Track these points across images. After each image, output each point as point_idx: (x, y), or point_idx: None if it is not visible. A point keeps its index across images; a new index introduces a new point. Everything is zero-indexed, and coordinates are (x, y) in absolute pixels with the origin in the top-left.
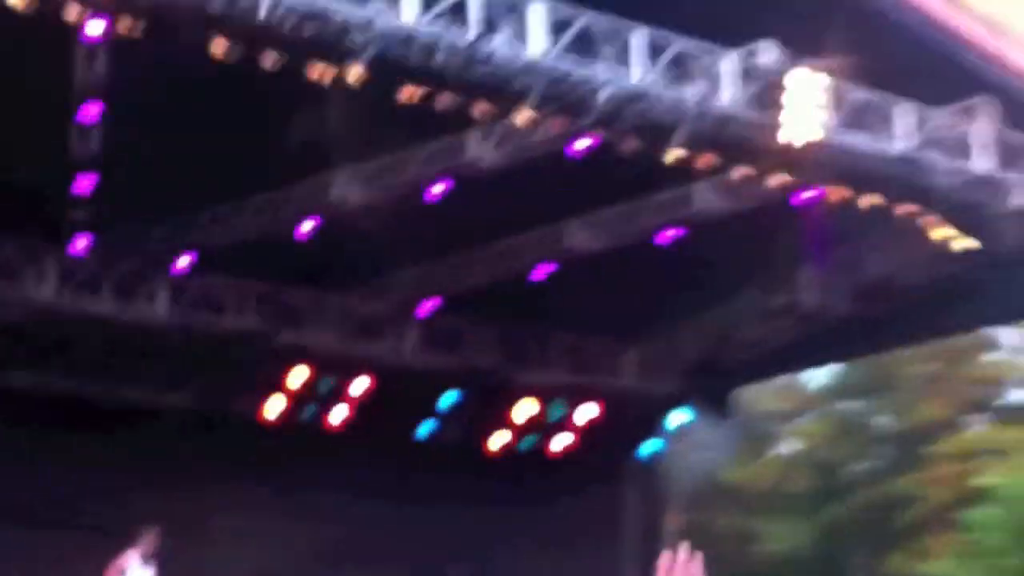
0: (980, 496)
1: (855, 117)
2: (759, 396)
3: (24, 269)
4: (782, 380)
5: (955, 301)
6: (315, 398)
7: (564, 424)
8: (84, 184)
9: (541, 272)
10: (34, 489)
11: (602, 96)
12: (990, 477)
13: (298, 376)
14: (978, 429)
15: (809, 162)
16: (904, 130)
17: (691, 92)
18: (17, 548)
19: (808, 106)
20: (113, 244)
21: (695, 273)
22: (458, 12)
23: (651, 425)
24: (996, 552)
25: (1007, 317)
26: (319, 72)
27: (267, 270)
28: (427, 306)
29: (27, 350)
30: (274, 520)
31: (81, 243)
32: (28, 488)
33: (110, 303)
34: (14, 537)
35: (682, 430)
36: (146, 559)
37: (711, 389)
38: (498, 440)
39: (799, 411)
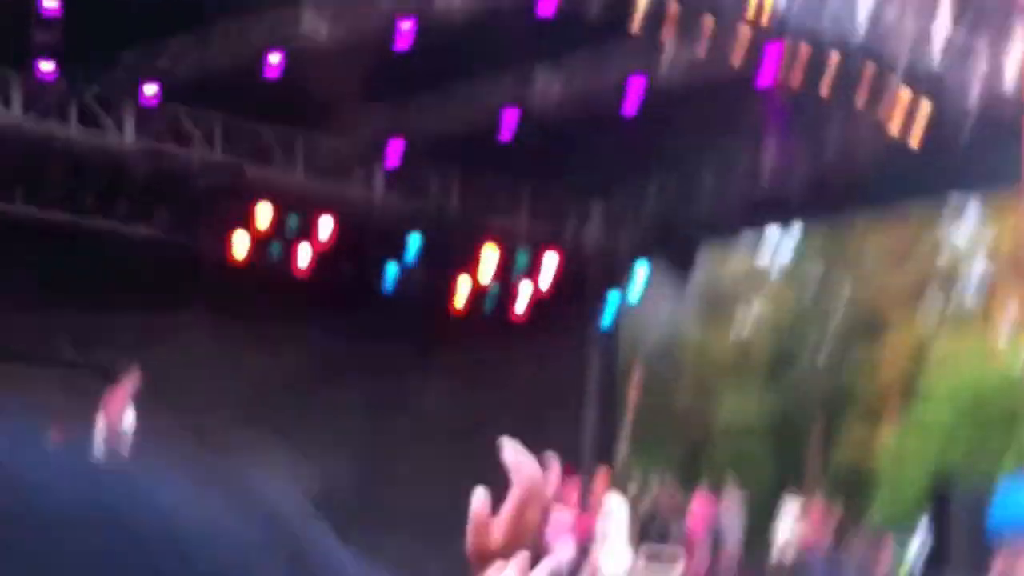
0: (937, 366)
1: None
2: (721, 262)
3: None
4: (745, 245)
5: (918, 167)
6: (281, 237)
7: (527, 276)
8: (51, 6)
9: (509, 123)
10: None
11: None
12: (947, 347)
13: (264, 213)
14: (937, 300)
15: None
16: None
17: None
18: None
19: None
20: (79, 70)
21: (662, 128)
22: None
23: (614, 282)
24: (950, 423)
25: (972, 184)
26: None
27: (235, 104)
28: (394, 149)
29: None
30: (234, 350)
31: (47, 67)
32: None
33: (76, 129)
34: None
35: (645, 289)
36: (133, 398)
37: (675, 246)
38: (462, 289)
39: (761, 278)
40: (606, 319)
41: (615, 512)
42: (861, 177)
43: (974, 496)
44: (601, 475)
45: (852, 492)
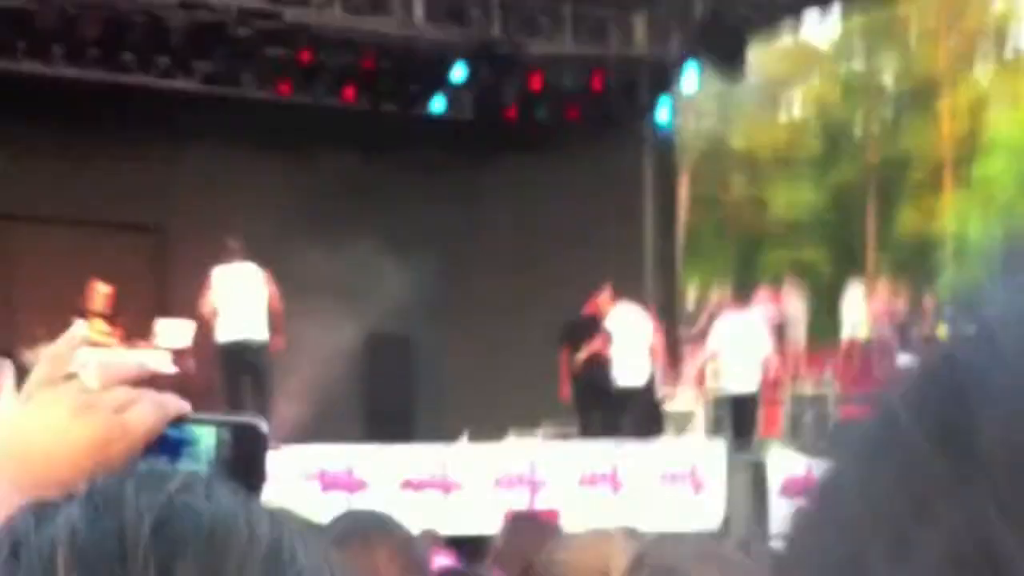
0: (989, 148)
1: None
2: (766, 59)
3: None
4: (786, 43)
5: None
6: (324, 76)
7: (577, 93)
8: None
9: None
10: (51, 184)
11: None
12: (997, 128)
13: (306, 54)
14: (984, 79)
15: None
16: None
17: None
18: (51, 244)
19: None
20: None
21: None
22: None
23: (663, 89)
24: (1005, 204)
25: None
26: None
27: None
28: None
29: (29, 36)
30: (288, 191)
31: None
32: (44, 182)
33: None
34: (45, 234)
35: (694, 95)
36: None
37: (722, 47)
38: (511, 112)
39: (805, 73)
40: (660, 122)
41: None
42: None
43: None
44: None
45: (917, 268)
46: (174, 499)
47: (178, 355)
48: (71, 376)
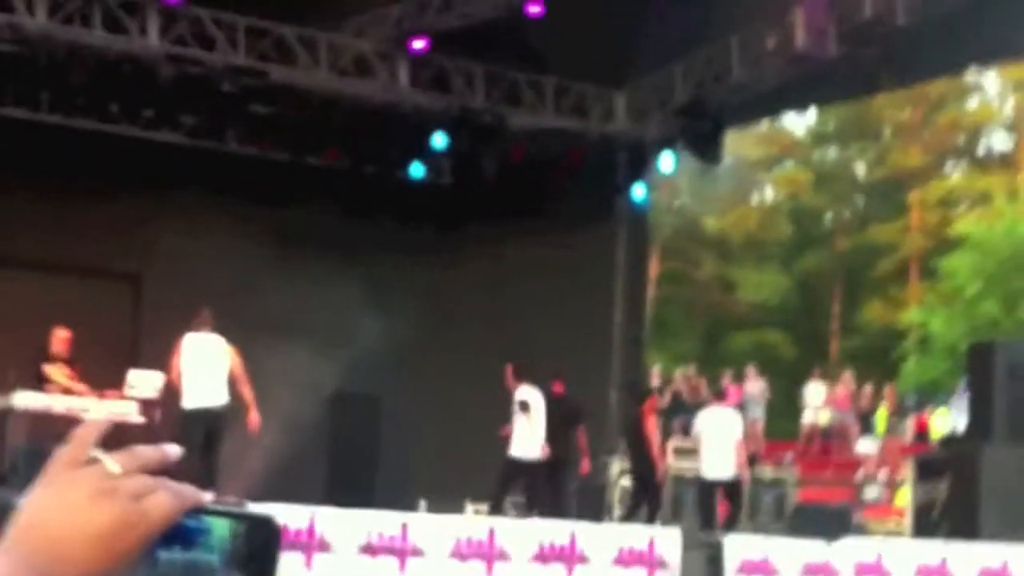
0: (956, 244)
1: None
2: (740, 144)
3: None
4: (762, 128)
5: (944, 40)
6: (307, 135)
7: (555, 166)
8: None
9: (534, 5)
10: (30, 228)
11: None
12: (966, 224)
13: (289, 113)
14: (956, 176)
15: None
16: None
17: None
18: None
19: None
20: None
21: (685, 14)
22: None
23: (640, 168)
24: (972, 299)
25: (995, 54)
26: None
27: (257, 5)
28: (417, 44)
29: (18, 82)
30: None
31: None
32: (23, 226)
33: (100, 35)
34: (21, 278)
35: (670, 175)
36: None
37: (699, 132)
38: (489, 180)
39: (779, 159)
40: (635, 199)
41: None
42: (889, 53)
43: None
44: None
45: (880, 357)
46: None
47: (146, 405)
48: (93, 460)
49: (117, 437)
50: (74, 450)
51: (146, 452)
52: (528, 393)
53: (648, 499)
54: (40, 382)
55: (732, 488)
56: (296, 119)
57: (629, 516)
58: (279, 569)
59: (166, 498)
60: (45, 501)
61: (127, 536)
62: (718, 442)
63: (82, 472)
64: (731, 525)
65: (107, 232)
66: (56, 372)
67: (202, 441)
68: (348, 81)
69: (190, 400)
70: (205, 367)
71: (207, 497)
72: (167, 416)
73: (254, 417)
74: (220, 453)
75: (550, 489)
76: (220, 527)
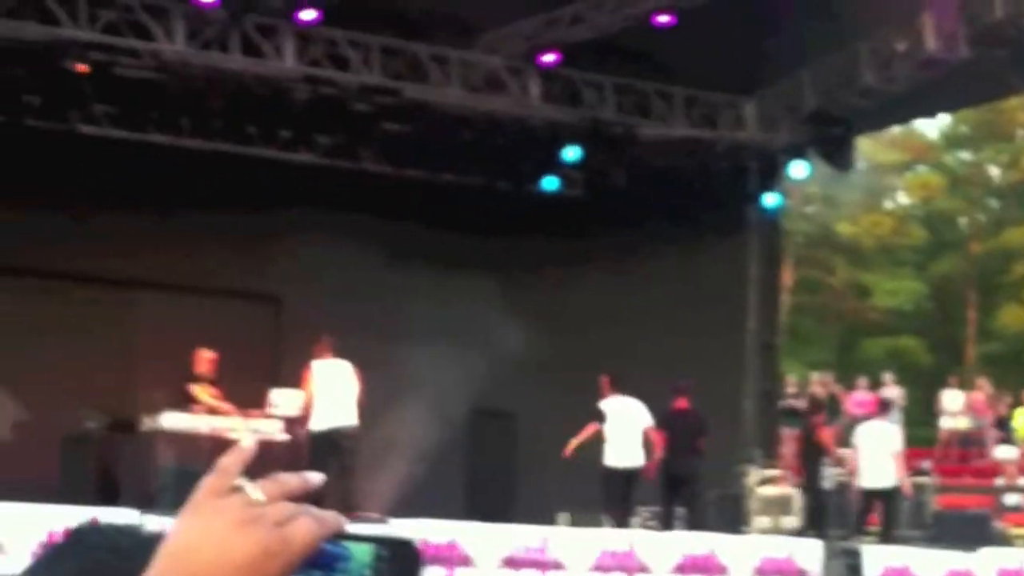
0: None
1: None
2: (873, 149)
3: (153, 24)
4: (895, 132)
5: None
6: (440, 153)
7: (686, 176)
8: None
9: (663, 15)
10: (173, 251)
11: None
12: None
13: (422, 130)
14: None
15: None
16: None
17: None
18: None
19: None
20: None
21: (814, 20)
22: None
23: (771, 175)
24: None
25: None
26: None
27: (387, 24)
28: (548, 58)
29: (159, 108)
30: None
31: None
32: (167, 250)
33: (238, 58)
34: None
35: (801, 182)
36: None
37: (830, 139)
38: (621, 192)
39: (911, 163)
40: (767, 207)
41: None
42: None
43: None
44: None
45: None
46: None
47: (290, 424)
48: (237, 488)
49: (262, 456)
50: (218, 479)
51: (289, 479)
52: (613, 404)
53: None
54: (187, 403)
55: (890, 498)
56: (429, 136)
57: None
58: None
59: (308, 525)
60: (190, 530)
61: (270, 564)
62: (877, 453)
63: (226, 501)
64: (886, 534)
65: (247, 254)
66: (202, 392)
67: (336, 462)
68: (480, 97)
69: (318, 423)
70: (334, 391)
71: (347, 523)
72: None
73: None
74: (355, 472)
75: (683, 502)
76: (361, 552)
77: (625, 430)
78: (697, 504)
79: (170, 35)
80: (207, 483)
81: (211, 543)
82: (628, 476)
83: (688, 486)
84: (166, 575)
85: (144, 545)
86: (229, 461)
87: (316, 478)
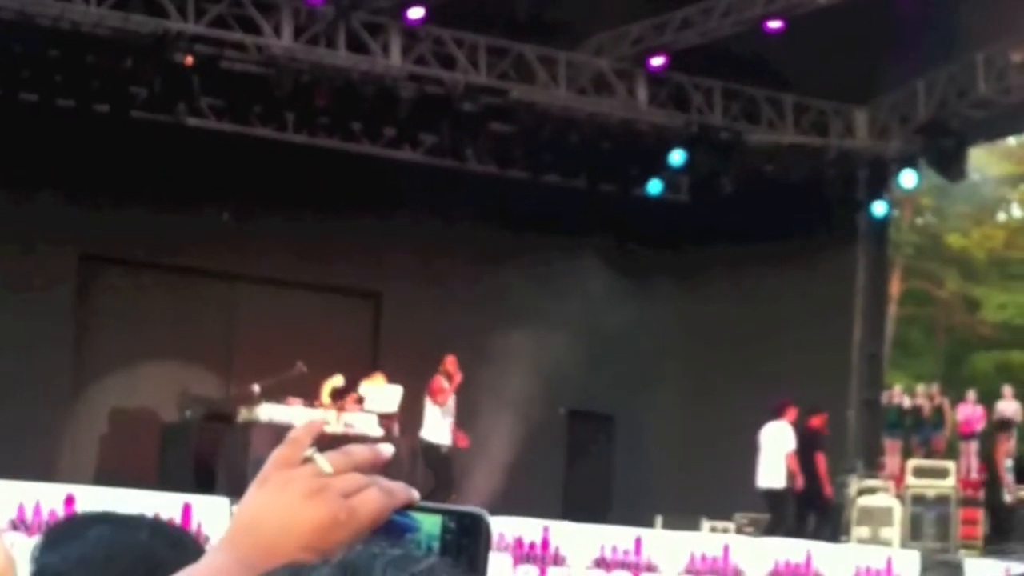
0: None
1: None
2: (986, 160)
3: (260, 19)
4: (1009, 143)
5: None
6: (545, 154)
7: (793, 183)
8: None
9: (775, 21)
10: (273, 245)
11: None
12: None
13: (528, 131)
14: None
15: None
16: None
17: None
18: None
19: None
20: None
21: (928, 30)
22: None
23: (882, 184)
24: None
25: None
26: None
27: (497, 25)
28: (656, 62)
29: (264, 102)
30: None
31: None
32: (267, 244)
33: (344, 55)
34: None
35: (911, 192)
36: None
37: (943, 149)
38: (726, 197)
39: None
40: (876, 216)
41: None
42: None
43: None
44: None
45: None
46: None
47: (385, 419)
48: (306, 460)
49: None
50: (289, 451)
51: (359, 451)
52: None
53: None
54: (283, 395)
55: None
56: (534, 137)
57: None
58: (488, 565)
59: (376, 496)
60: (259, 501)
61: (337, 533)
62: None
63: (295, 472)
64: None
65: (348, 249)
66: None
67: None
68: (587, 99)
69: (433, 435)
70: (451, 410)
71: (416, 495)
72: (406, 432)
73: (462, 438)
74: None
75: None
76: (430, 523)
77: (766, 453)
78: (823, 518)
79: (277, 30)
80: (278, 455)
81: (279, 513)
82: (768, 496)
83: (815, 500)
84: (235, 544)
85: (149, 525)
86: (298, 434)
87: (387, 450)
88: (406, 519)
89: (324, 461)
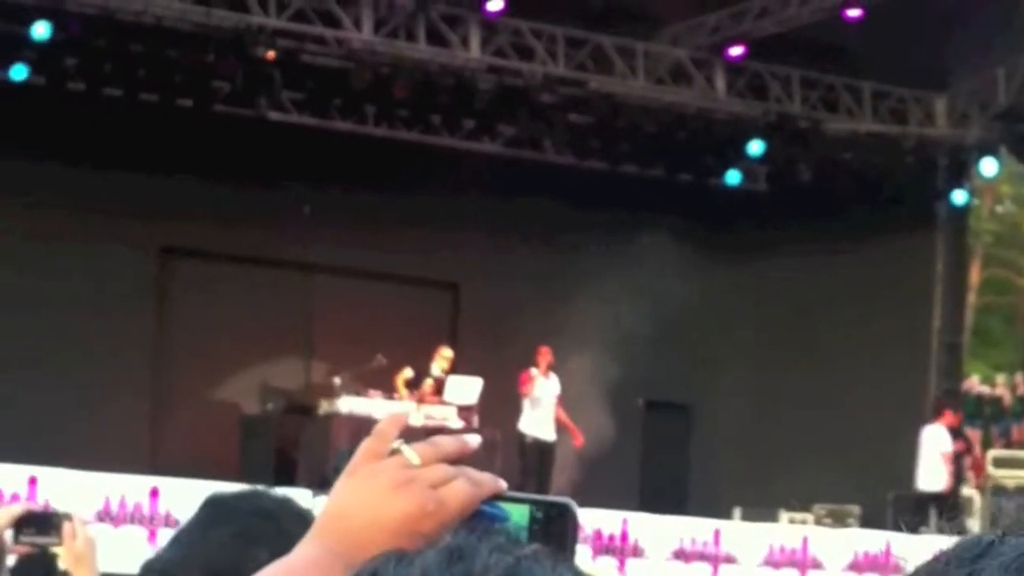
0: None
1: None
2: None
3: (340, 12)
4: None
5: None
6: (623, 144)
7: (873, 171)
8: None
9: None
10: (352, 237)
11: None
12: None
13: (606, 122)
14: None
15: None
16: None
17: None
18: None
19: None
20: None
21: (1009, 16)
22: None
23: (961, 172)
24: None
25: None
26: None
27: (574, 15)
28: (735, 51)
29: (344, 96)
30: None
31: None
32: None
33: (424, 47)
34: (343, 285)
35: (991, 180)
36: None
37: (1023, 136)
38: (805, 186)
39: None
40: (956, 204)
41: None
42: None
43: None
44: None
45: None
46: (521, 563)
47: (464, 411)
48: (394, 452)
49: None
50: (376, 443)
51: (446, 442)
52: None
53: None
54: (362, 387)
55: None
56: (612, 128)
57: None
58: (576, 555)
59: (463, 487)
60: (348, 492)
61: (425, 524)
62: None
63: (383, 463)
64: None
65: (426, 240)
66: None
67: (532, 469)
68: (665, 89)
69: (529, 428)
70: (545, 403)
71: (504, 485)
72: (486, 423)
73: (578, 437)
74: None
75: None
76: (518, 513)
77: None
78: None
79: (357, 23)
80: (365, 447)
81: (367, 504)
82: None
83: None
84: (325, 535)
85: (283, 506)
86: (386, 426)
87: (474, 440)
88: (494, 509)
89: (412, 452)
